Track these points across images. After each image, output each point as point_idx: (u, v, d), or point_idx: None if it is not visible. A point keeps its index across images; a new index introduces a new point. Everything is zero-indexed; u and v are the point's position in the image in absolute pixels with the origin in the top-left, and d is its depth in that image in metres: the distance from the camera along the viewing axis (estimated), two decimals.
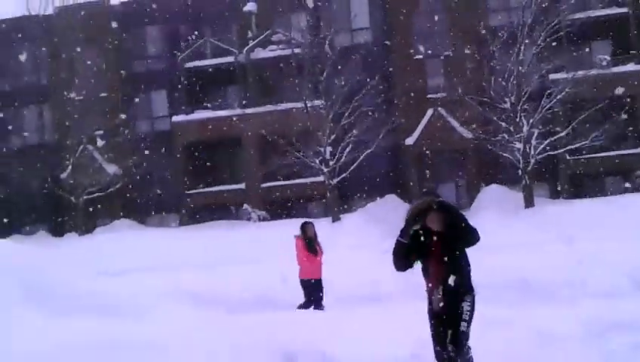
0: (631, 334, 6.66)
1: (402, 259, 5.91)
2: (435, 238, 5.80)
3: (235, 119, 32.87)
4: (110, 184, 32.97)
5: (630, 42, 31.03)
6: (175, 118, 34.17)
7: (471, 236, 5.79)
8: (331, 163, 29.12)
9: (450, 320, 5.82)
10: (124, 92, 35.01)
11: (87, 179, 32.67)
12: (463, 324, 5.75)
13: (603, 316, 8.17)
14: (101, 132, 33.54)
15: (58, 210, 34.74)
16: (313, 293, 11.52)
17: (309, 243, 11.63)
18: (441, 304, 5.80)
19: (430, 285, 5.92)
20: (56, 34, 35.12)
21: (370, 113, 28.96)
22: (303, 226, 11.89)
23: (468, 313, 5.80)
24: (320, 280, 11.61)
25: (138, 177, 33.32)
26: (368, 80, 29.52)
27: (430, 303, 5.98)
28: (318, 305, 11.51)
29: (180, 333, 6.46)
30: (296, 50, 31.25)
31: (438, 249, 5.80)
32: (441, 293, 5.78)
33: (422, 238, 5.79)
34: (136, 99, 35.46)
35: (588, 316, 8.31)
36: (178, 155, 33.81)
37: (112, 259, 20.95)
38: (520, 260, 12.30)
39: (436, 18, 32.02)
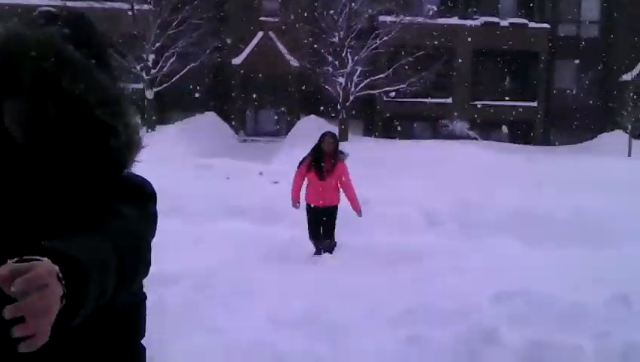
0: (422, 262, 7.23)
1: None
2: None
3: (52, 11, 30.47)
4: None
5: None
6: None
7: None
8: (153, 71, 28.17)
9: None
10: None
11: None
12: None
13: (399, 248, 8.72)
14: None
15: None
16: None
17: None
18: None
19: None
20: None
21: (199, 26, 28.16)
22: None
23: None
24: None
25: None
26: None
27: None
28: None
29: None
30: None
31: None
32: None
33: None
34: None
35: (387, 247, 8.82)
36: None
37: None
38: None
39: None
